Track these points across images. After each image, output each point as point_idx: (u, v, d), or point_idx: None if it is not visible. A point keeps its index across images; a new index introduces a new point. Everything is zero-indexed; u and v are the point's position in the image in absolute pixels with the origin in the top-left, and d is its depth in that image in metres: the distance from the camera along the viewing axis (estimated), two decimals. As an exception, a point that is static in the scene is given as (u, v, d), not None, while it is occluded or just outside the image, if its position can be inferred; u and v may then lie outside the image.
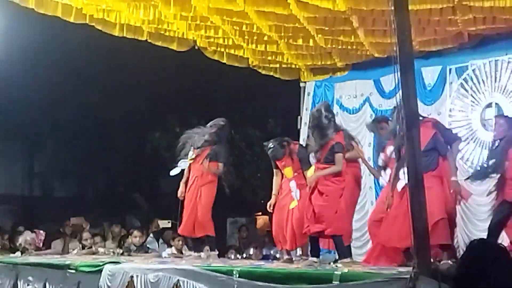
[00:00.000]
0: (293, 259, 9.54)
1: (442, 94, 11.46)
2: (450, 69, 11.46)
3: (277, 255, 10.58)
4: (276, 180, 9.78)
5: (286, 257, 9.44)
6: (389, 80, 11.59)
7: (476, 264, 3.43)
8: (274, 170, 9.78)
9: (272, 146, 9.56)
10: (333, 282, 6.58)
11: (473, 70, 11.11)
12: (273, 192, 9.79)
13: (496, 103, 10.83)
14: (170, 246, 11.95)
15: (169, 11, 10.72)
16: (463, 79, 11.23)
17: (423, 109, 10.23)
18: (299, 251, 10.31)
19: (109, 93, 16.80)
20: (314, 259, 8.72)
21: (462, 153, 10.89)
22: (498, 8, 9.52)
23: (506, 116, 9.22)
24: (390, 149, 8.65)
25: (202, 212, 10.18)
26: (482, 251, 3.47)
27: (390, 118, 8.98)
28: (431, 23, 10.37)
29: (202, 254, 10.32)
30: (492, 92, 10.91)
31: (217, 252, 10.38)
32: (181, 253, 11.32)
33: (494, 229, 8.43)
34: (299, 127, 13.07)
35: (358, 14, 10.18)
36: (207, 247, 10.41)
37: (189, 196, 10.28)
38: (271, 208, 9.75)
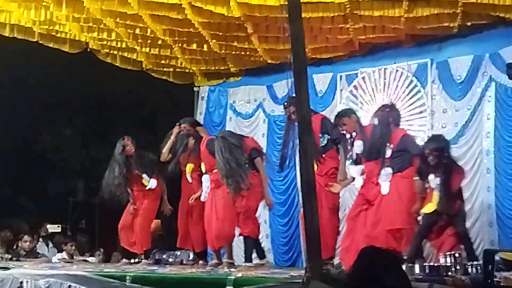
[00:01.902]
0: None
1: (332, 100, 11.69)
2: (340, 76, 11.70)
3: (170, 260, 10.55)
4: None
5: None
6: (282, 86, 11.78)
7: (366, 271, 3.49)
8: None
9: None
10: (227, 287, 6.65)
11: (363, 78, 11.38)
12: None
13: (384, 110, 11.13)
14: (60, 250, 11.74)
15: (61, 12, 10.55)
16: (353, 86, 11.48)
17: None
18: (191, 255, 10.32)
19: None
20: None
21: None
22: (387, 17, 9.79)
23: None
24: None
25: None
26: (373, 258, 3.54)
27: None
28: (323, 31, 10.57)
29: (91, 259, 10.21)
30: (380, 99, 11.20)
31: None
32: (72, 258, 11.16)
33: (416, 238, 8.43)
34: (193, 131, 13.08)
35: (252, 20, 10.29)
36: (98, 252, 10.30)
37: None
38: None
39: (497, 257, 6.94)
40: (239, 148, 8.87)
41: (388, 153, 8.51)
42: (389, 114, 8.79)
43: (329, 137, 8.85)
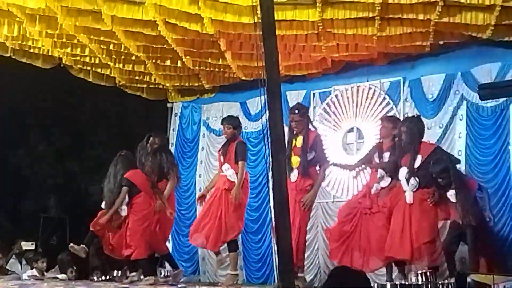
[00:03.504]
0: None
1: (306, 118, 11.69)
2: (314, 94, 11.74)
3: (142, 277, 10.44)
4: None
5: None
6: (255, 103, 11.81)
7: (336, 291, 3.53)
8: None
9: None
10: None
11: (336, 95, 11.42)
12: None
13: (357, 128, 11.17)
14: (32, 268, 11.62)
15: (35, 28, 10.53)
16: (326, 104, 11.52)
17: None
18: (163, 272, 10.24)
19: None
20: None
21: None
22: (360, 36, 9.84)
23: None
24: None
25: None
26: (343, 277, 3.57)
27: None
28: (297, 49, 10.60)
29: (62, 276, 10.10)
30: (353, 117, 11.24)
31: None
32: (43, 275, 11.05)
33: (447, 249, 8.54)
34: (166, 147, 13.03)
35: (226, 37, 10.31)
36: (71, 269, 10.20)
37: None
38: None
39: (469, 279, 6.98)
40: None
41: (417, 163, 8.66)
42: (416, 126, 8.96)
43: (315, 154, 9.12)
